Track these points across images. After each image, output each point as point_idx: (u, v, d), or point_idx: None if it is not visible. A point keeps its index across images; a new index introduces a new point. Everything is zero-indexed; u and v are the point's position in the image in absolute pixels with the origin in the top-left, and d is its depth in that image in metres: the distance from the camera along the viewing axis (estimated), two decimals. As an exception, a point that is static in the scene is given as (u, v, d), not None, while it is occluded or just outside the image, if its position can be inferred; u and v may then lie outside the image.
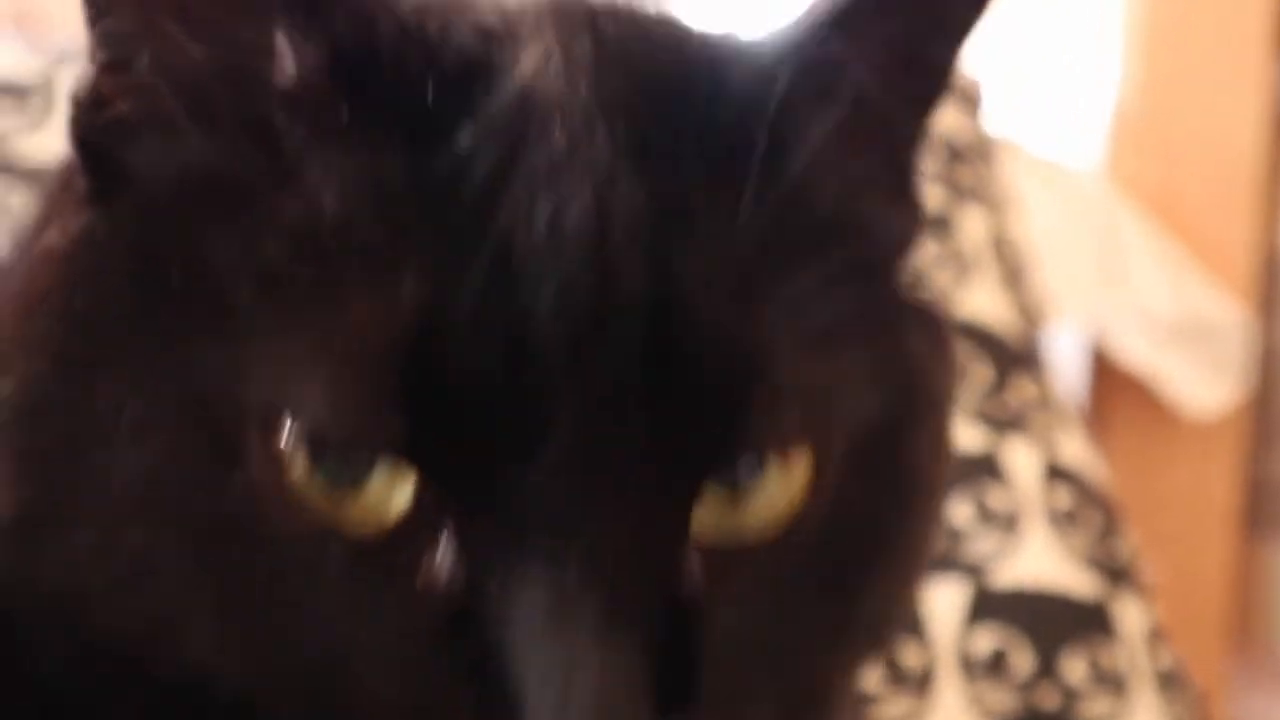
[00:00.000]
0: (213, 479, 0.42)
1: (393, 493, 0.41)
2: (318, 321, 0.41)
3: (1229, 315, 1.58)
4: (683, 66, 0.46)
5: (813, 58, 0.45)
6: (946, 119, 1.16)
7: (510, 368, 0.41)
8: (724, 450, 0.43)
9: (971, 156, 1.11)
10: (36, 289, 0.46)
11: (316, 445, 0.41)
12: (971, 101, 1.19)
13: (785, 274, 0.44)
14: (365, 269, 0.41)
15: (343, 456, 0.41)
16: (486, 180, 0.42)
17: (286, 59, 0.43)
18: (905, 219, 0.50)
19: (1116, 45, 1.60)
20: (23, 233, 0.49)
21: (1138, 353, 1.48)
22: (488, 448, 0.41)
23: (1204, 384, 1.56)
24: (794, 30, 0.46)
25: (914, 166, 0.50)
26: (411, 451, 0.41)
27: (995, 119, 1.24)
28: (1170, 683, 0.92)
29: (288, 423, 0.41)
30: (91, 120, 0.46)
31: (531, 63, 0.44)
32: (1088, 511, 0.98)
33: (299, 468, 0.41)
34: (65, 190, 0.48)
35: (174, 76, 0.45)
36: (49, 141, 1.00)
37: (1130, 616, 0.94)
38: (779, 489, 0.44)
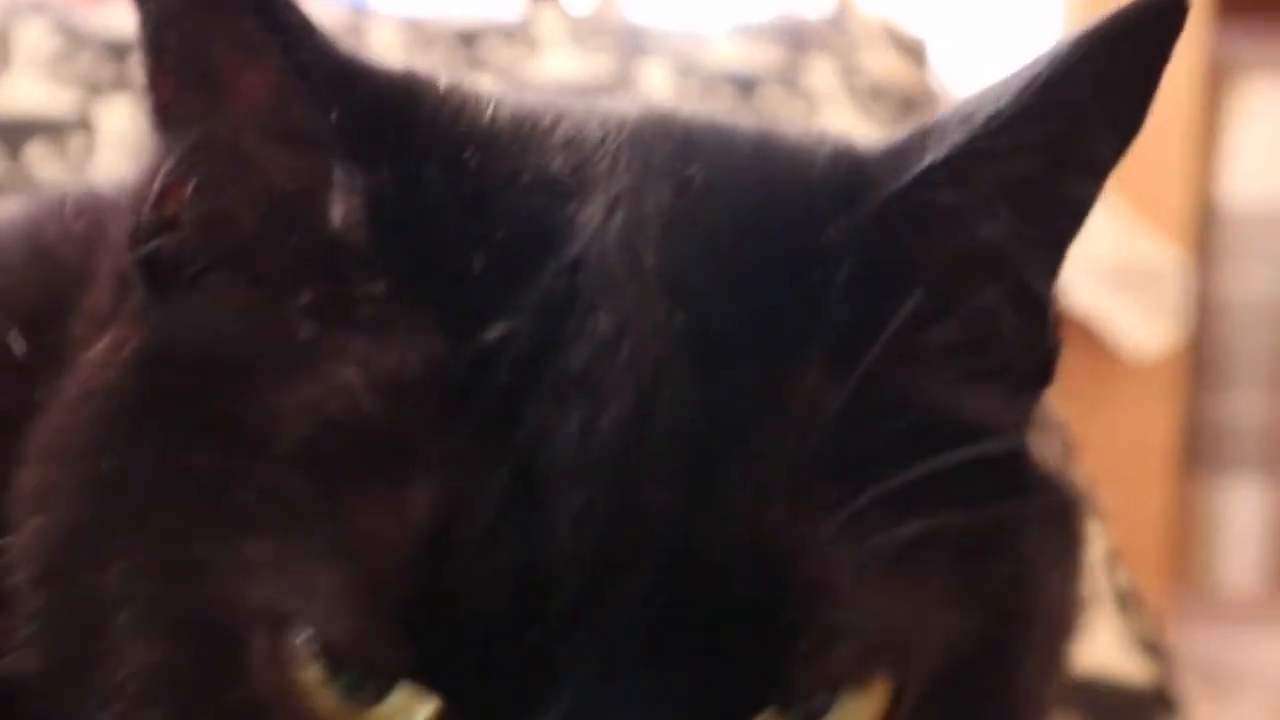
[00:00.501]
0: (209, 686, 0.38)
1: (412, 715, 0.37)
2: (325, 528, 0.37)
3: (1168, 261, 1.60)
4: (767, 220, 0.40)
5: (922, 211, 0.39)
6: (898, 70, 1.19)
7: (520, 603, 0.36)
8: (766, 695, 0.37)
9: (920, 109, 1.13)
10: (73, 414, 0.42)
11: (328, 658, 0.37)
12: (918, 55, 1.22)
13: (856, 486, 0.37)
14: (375, 472, 0.37)
15: (358, 673, 0.37)
16: (516, 375, 0.36)
17: (336, 206, 0.39)
18: (1036, 384, 0.43)
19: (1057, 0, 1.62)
20: (92, 317, 0.44)
21: (1080, 297, 1.50)
22: (498, 690, 0.36)
23: (1144, 328, 1.58)
24: (893, 163, 0.39)
25: (1046, 317, 0.42)
26: (429, 675, 0.37)
27: (942, 73, 1.26)
28: (1128, 601, 0.93)
29: (298, 631, 0.37)
30: (149, 245, 0.41)
31: (593, 223, 0.38)
32: (1045, 438, 1.00)
33: (312, 678, 0.37)
34: (124, 290, 0.43)
35: (223, 223, 0.40)
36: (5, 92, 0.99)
37: (1090, 537, 0.96)
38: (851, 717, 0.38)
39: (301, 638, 0.37)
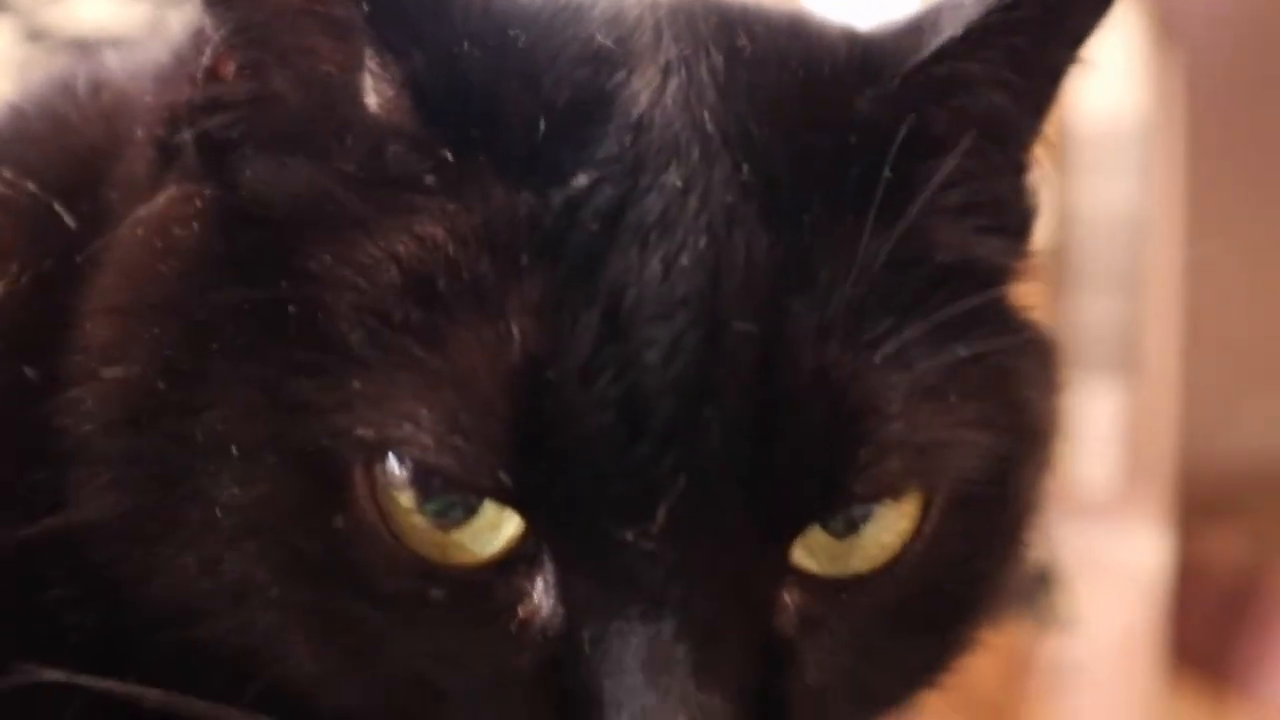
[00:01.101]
0: (315, 516, 0.41)
1: (497, 532, 0.41)
2: (426, 362, 0.40)
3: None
4: (814, 89, 0.44)
5: (943, 82, 0.44)
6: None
7: (621, 425, 0.39)
8: (828, 502, 0.42)
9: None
10: (146, 271, 0.44)
11: (423, 483, 0.40)
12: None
13: (898, 323, 0.42)
14: (474, 310, 0.40)
15: (448, 495, 0.40)
16: (598, 224, 0.40)
17: (371, 91, 0.42)
18: (1022, 238, 0.48)
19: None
20: (127, 185, 0.47)
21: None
22: (595, 502, 0.40)
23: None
24: (910, 40, 0.44)
25: (1027, 178, 0.48)
26: (518, 496, 0.40)
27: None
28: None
29: (395, 460, 0.40)
30: (203, 121, 0.44)
31: (648, 90, 0.42)
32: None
33: (404, 503, 0.40)
34: (164, 159, 0.46)
35: (271, 102, 0.43)
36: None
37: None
38: (886, 532, 0.43)
39: (398, 467, 0.40)
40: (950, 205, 0.44)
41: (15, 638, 0.45)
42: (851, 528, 0.42)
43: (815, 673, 0.42)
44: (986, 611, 0.47)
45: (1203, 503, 1.67)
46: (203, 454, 0.42)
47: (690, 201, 0.41)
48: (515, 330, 0.39)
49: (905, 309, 0.42)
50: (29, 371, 0.46)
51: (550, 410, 0.39)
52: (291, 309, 0.42)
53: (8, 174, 0.49)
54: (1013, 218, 0.48)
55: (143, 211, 0.46)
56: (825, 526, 0.42)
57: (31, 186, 0.49)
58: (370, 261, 0.41)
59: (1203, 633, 1.71)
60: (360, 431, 0.40)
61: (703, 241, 0.40)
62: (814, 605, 0.42)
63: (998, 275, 0.46)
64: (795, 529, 0.42)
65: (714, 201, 0.41)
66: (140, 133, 0.48)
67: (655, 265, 0.40)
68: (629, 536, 0.39)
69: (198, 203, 0.45)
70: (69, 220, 0.48)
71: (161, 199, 0.45)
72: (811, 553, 0.42)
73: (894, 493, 0.43)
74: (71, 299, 0.47)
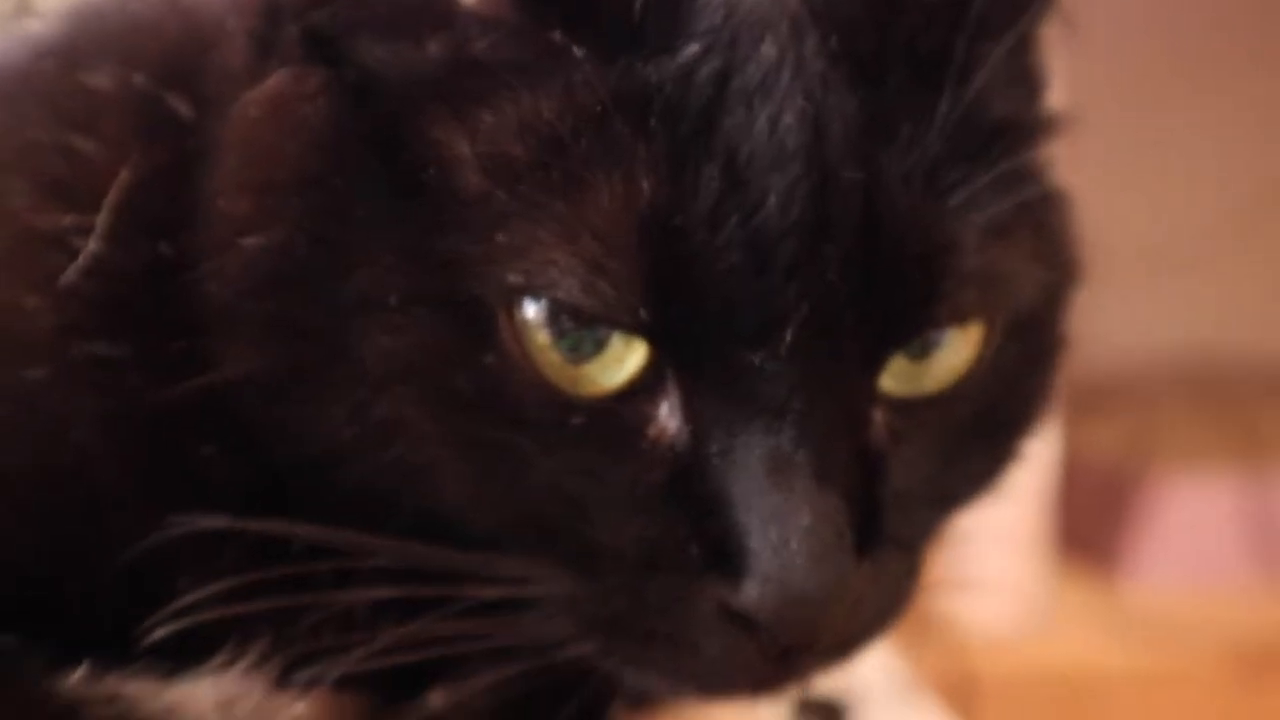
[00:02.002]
0: (465, 355, 0.45)
1: (624, 364, 0.45)
2: (566, 211, 0.44)
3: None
4: None
5: None
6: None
7: (748, 263, 0.44)
8: (917, 326, 0.47)
9: None
10: (274, 148, 0.47)
11: (560, 321, 0.44)
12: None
13: (968, 173, 0.47)
14: (608, 165, 0.44)
15: (583, 331, 0.44)
16: (710, 89, 0.44)
17: None
18: (1045, 105, 0.53)
19: None
20: (225, 75, 0.49)
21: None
22: (726, 331, 0.44)
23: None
24: None
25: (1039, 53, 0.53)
26: (653, 330, 0.45)
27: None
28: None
29: (535, 302, 0.44)
30: (308, 15, 0.47)
31: None
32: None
33: (541, 341, 0.44)
34: (262, 50, 0.48)
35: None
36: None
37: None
38: (954, 355, 0.49)
39: (535, 309, 0.44)
40: (1003, 73, 0.49)
41: (172, 493, 0.48)
42: (925, 353, 0.48)
43: (900, 479, 0.48)
44: (1035, 425, 0.54)
45: (1084, 399, 1.76)
46: (349, 311, 0.46)
47: (785, 69, 0.45)
48: (645, 184, 0.44)
49: (972, 162, 0.47)
50: (164, 248, 0.49)
51: (683, 253, 0.44)
52: (430, 173, 0.45)
53: (112, 69, 0.52)
54: (1039, 84, 0.54)
55: (253, 95, 0.48)
56: (905, 352, 0.47)
57: (139, 79, 0.51)
58: (499, 129, 0.45)
59: (1086, 520, 1.81)
60: (511, 279, 0.44)
61: (801, 103, 0.45)
62: (896, 422, 0.48)
63: (1037, 133, 0.52)
64: (890, 350, 0.47)
65: (807, 69, 0.45)
66: (232, 24, 0.51)
67: (763, 124, 0.44)
68: (756, 359, 0.44)
69: (313, 84, 0.47)
70: (184, 109, 0.51)
71: (271, 83, 0.48)
72: (892, 376, 0.48)
73: (967, 318, 0.48)
74: (192, 181, 0.49)
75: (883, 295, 0.46)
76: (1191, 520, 1.77)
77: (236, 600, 0.47)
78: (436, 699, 0.49)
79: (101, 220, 0.49)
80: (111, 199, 0.49)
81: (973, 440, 0.51)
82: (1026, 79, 0.52)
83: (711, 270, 0.44)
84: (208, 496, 0.48)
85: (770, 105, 0.44)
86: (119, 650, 0.47)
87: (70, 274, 0.48)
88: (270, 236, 0.47)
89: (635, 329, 0.45)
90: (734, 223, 0.43)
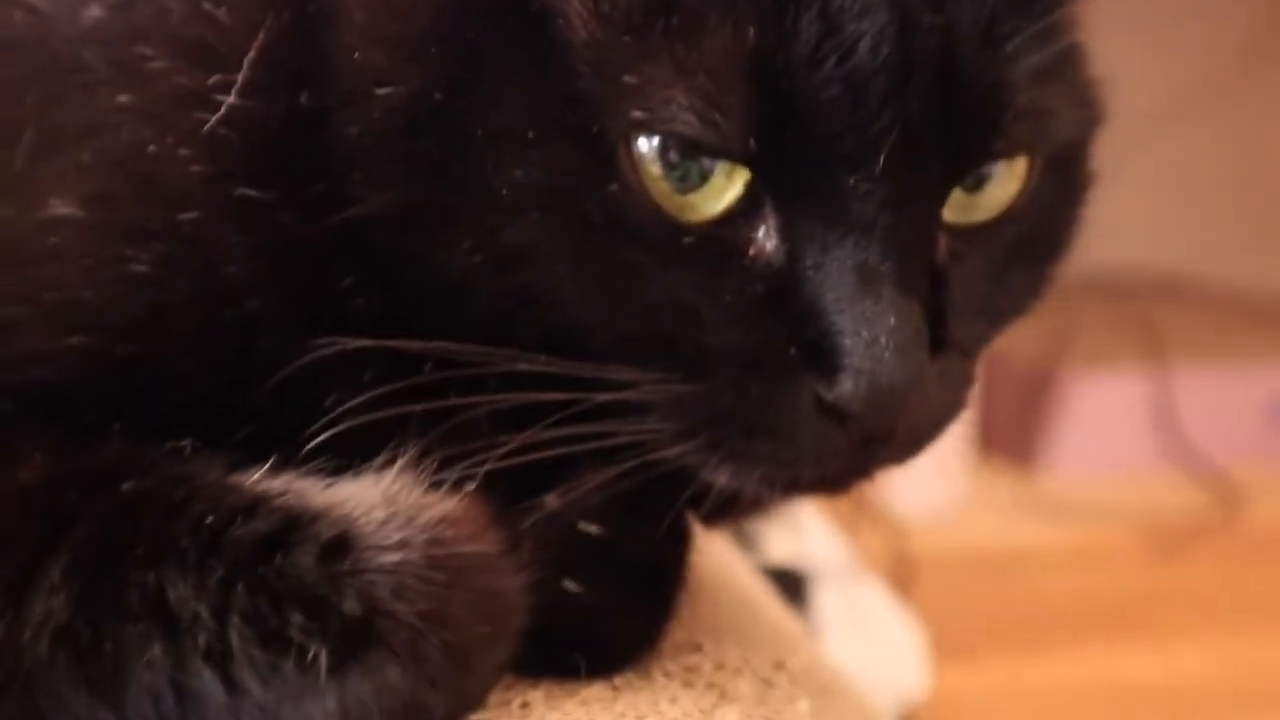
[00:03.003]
0: (592, 183, 0.49)
1: (724, 194, 0.49)
2: (683, 54, 0.48)
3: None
4: None
5: None
6: None
7: (846, 96, 0.48)
8: (981, 156, 0.52)
9: None
10: (405, 6, 0.51)
11: (673, 152, 0.49)
12: None
13: (1017, 25, 0.51)
14: (719, 12, 0.48)
15: (689, 163, 0.49)
16: None
17: None
18: None
19: None
20: None
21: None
22: (825, 157, 0.49)
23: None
24: None
25: None
26: (760, 159, 0.49)
27: None
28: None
29: (651, 137, 0.48)
30: None
31: None
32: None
33: (654, 172, 0.49)
34: None
35: None
36: None
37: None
38: (1002, 188, 0.53)
39: (648, 143, 0.49)
40: None
41: (316, 319, 0.52)
42: (979, 185, 0.53)
43: (959, 294, 0.53)
44: (1068, 251, 0.59)
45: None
46: (483, 149, 0.50)
47: None
48: (751, 30, 0.48)
49: (1021, 14, 0.52)
50: (303, 99, 0.53)
51: (786, 89, 0.48)
52: (556, 23, 0.49)
53: None
54: None
55: None
56: (961, 184, 0.52)
57: None
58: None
59: (1007, 415, 1.90)
60: (635, 115, 0.48)
61: None
62: (955, 244, 0.53)
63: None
64: (959, 176, 0.52)
65: None
66: None
67: None
68: (851, 181, 0.49)
69: None
70: None
71: None
72: (950, 207, 0.53)
73: (1017, 151, 0.53)
74: (318, 39, 0.53)
75: (955, 127, 0.50)
76: (1101, 412, 1.87)
77: (380, 409, 0.51)
78: (552, 500, 0.53)
79: (243, 76, 0.52)
80: (252, 57, 0.53)
81: (1017, 263, 0.56)
82: None
83: (814, 104, 0.48)
84: (348, 322, 0.52)
85: None
86: (287, 456, 0.51)
87: (213, 125, 0.52)
88: (407, 84, 0.50)
89: (743, 158, 0.49)
90: (832, 63, 0.48)
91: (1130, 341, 1.86)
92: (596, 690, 0.54)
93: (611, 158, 0.49)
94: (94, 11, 0.55)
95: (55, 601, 0.47)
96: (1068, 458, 1.84)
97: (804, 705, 0.59)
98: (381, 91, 0.51)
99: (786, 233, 0.50)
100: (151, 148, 0.53)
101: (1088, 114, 0.57)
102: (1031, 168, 0.54)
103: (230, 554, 0.47)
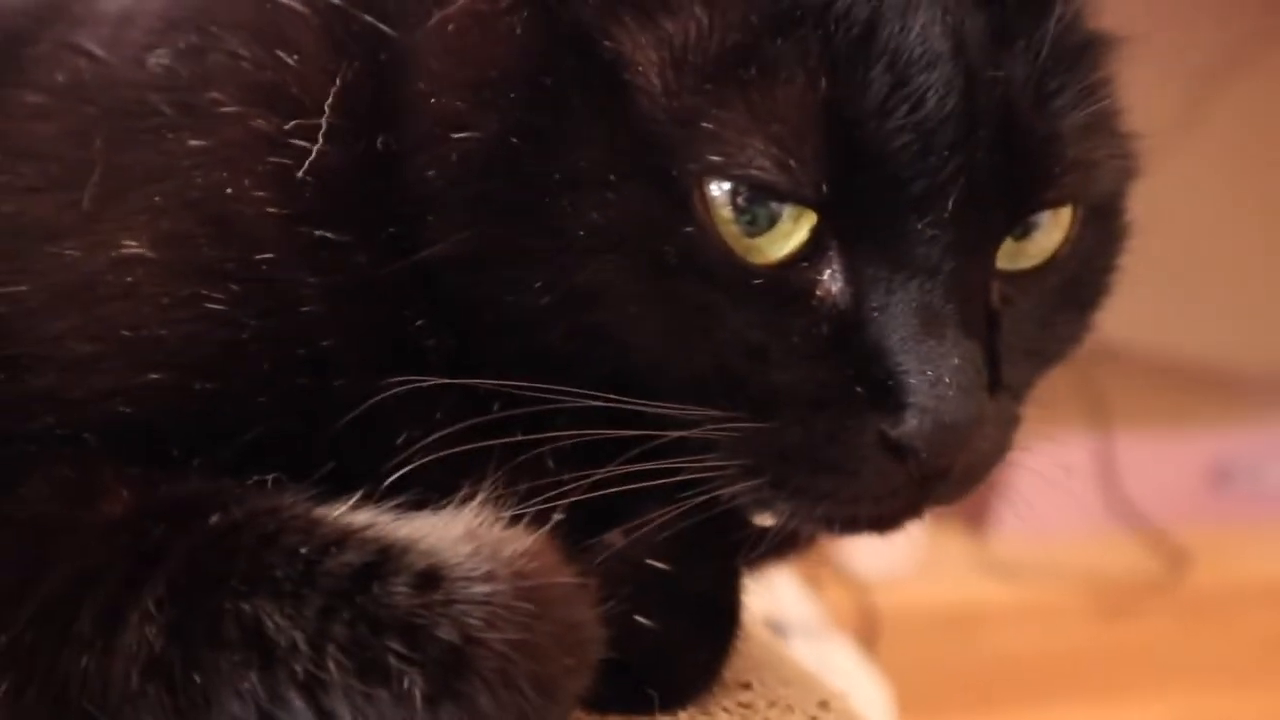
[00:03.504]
0: (669, 226, 0.50)
1: (790, 238, 0.51)
2: (759, 102, 0.50)
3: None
4: None
5: None
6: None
7: (916, 144, 0.50)
8: (1032, 206, 0.54)
9: None
10: (481, 54, 0.52)
11: (742, 197, 0.50)
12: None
13: (1065, 81, 0.54)
14: (791, 65, 0.49)
15: (761, 205, 0.50)
16: (869, 5, 0.50)
17: None
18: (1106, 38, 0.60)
19: None
20: None
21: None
22: (894, 202, 0.50)
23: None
24: None
25: None
26: (830, 203, 0.50)
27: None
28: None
29: (725, 181, 0.50)
30: None
31: None
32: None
33: (725, 216, 0.50)
34: None
35: None
36: None
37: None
38: (1048, 237, 0.56)
39: (720, 188, 0.50)
40: (1080, 4, 0.57)
41: (391, 358, 0.53)
42: (1027, 233, 0.55)
43: (1010, 336, 0.55)
44: (1107, 297, 0.61)
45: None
46: (558, 192, 0.50)
47: None
48: (823, 81, 0.50)
49: (1069, 72, 0.54)
50: (379, 142, 0.54)
51: (857, 137, 0.50)
52: (627, 74, 0.51)
53: None
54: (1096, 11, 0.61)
55: (449, 13, 0.53)
56: (1011, 233, 0.54)
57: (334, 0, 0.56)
58: (687, 34, 0.51)
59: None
60: (712, 159, 0.50)
61: (942, 16, 0.52)
62: (1005, 289, 0.55)
63: (1109, 50, 0.59)
64: (1016, 222, 0.54)
65: None
66: None
67: (916, 32, 0.51)
68: (919, 225, 0.51)
69: (505, 1, 0.52)
70: (384, 28, 0.55)
71: (464, 2, 0.53)
72: (1000, 253, 0.55)
73: (1064, 201, 0.55)
74: (390, 86, 0.54)
75: (1012, 176, 0.53)
76: (1048, 474, 1.89)
77: (451, 446, 0.52)
78: (616, 537, 0.54)
79: (326, 121, 0.53)
80: (331, 102, 0.54)
81: (1061, 308, 0.58)
82: (1092, 6, 0.60)
83: (884, 151, 0.50)
84: (420, 361, 0.53)
85: (920, 17, 0.51)
86: (366, 492, 0.51)
87: (295, 169, 0.53)
88: (484, 129, 0.51)
89: (814, 203, 0.51)
90: (903, 112, 0.50)
91: (1076, 406, 1.90)
92: (664, 724, 0.54)
93: (686, 201, 0.50)
94: (161, 59, 0.56)
95: (149, 631, 0.47)
96: (1017, 519, 1.87)
97: (853, 741, 0.60)
98: (458, 136, 0.52)
99: (851, 275, 0.51)
100: (228, 190, 0.53)
101: (1126, 165, 0.59)
102: (1075, 217, 0.56)
103: (327, 583, 0.47)
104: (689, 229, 0.51)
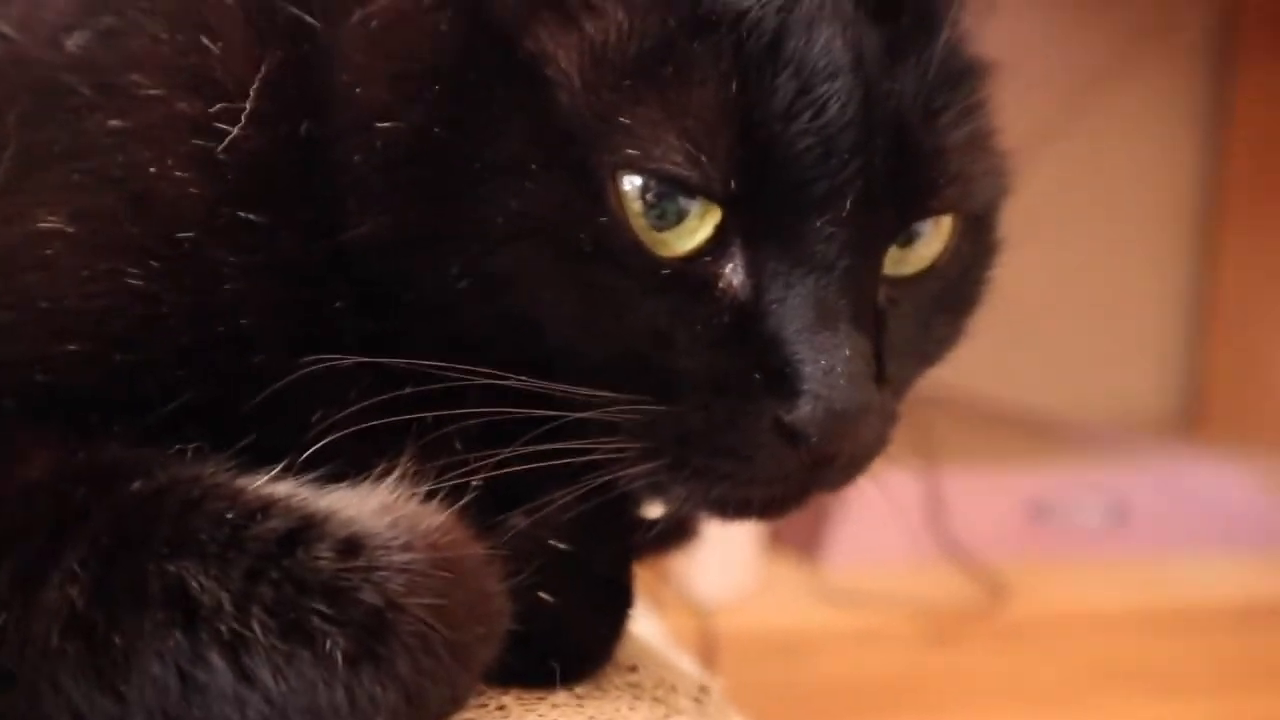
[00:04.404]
0: (584, 215, 0.52)
1: (695, 234, 0.53)
2: (672, 99, 0.52)
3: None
4: None
5: None
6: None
7: (818, 148, 0.53)
8: (918, 213, 0.57)
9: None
10: (405, 49, 0.53)
11: (654, 192, 0.52)
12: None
13: (949, 100, 0.57)
14: (704, 68, 0.52)
15: (670, 200, 0.53)
16: (776, 19, 0.53)
17: None
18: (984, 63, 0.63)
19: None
20: None
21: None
22: (797, 201, 0.53)
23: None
24: None
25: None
26: (737, 200, 0.53)
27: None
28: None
29: (636, 177, 0.52)
30: None
31: None
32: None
33: (635, 209, 0.52)
34: None
35: None
36: None
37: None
38: (929, 245, 0.59)
39: (631, 181, 0.52)
40: (962, 27, 0.61)
41: (309, 337, 0.54)
42: (910, 241, 0.58)
43: (894, 336, 0.58)
44: (980, 306, 0.65)
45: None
46: (478, 180, 0.52)
47: (826, 7, 0.55)
48: (734, 84, 0.52)
49: (952, 90, 0.58)
50: (302, 128, 0.55)
51: (765, 139, 0.53)
52: (551, 67, 0.52)
53: None
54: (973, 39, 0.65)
55: (373, 9, 0.55)
56: (895, 240, 0.57)
57: None
58: (607, 34, 0.53)
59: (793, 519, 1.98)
60: (628, 152, 0.52)
61: (843, 32, 0.55)
62: (891, 291, 0.58)
63: (986, 75, 0.63)
64: (903, 228, 0.57)
65: (841, 9, 0.55)
66: None
67: (820, 45, 0.54)
68: (818, 223, 0.53)
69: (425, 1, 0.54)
70: (310, 20, 0.56)
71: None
72: (888, 260, 0.58)
73: (947, 210, 0.59)
74: (315, 75, 0.55)
75: (903, 184, 0.56)
76: (879, 508, 1.96)
77: (366, 421, 0.53)
78: (518, 519, 0.56)
79: (250, 106, 0.54)
80: (257, 88, 0.55)
81: (939, 312, 0.61)
82: (969, 32, 0.63)
83: (789, 153, 0.53)
84: (337, 340, 0.54)
85: (823, 31, 0.54)
86: (285, 465, 0.52)
87: (222, 151, 0.54)
88: (408, 119, 0.53)
89: (722, 199, 0.53)
90: (807, 117, 0.53)
91: (905, 444, 1.97)
92: (563, 697, 0.56)
93: (601, 193, 0.52)
94: (77, 40, 0.56)
95: (71, 591, 0.47)
96: (849, 549, 1.93)
97: (737, 720, 0.62)
98: (382, 125, 0.53)
99: (753, 269, 0.54)
100: (151, 169, 0.54)
101: (1000, 183, 0.63)
102: (955, 228, 0.60)
103: (254, 547, 0.48)
104: (603, 219, 0.53)
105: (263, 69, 0.55)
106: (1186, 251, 2.81)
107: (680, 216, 0.53)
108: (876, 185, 0.54)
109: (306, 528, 0.49)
